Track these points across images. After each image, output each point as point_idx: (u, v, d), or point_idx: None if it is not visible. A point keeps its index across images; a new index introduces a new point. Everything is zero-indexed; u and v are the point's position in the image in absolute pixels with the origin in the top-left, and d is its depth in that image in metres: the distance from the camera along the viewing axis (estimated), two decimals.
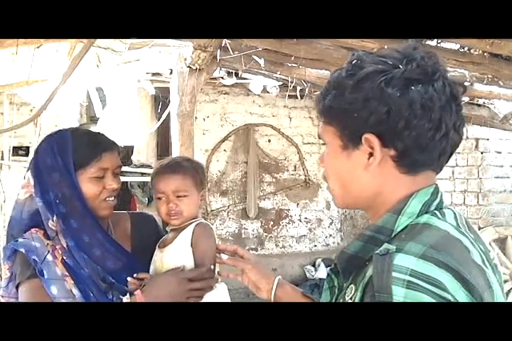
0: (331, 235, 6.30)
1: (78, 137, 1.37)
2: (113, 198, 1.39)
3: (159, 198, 1.45)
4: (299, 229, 6.14)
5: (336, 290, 0.91)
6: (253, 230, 5.96)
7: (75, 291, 1.27)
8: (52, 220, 1.31)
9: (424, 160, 0.83)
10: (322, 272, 5.79)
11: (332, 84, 0.87)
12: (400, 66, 0.81)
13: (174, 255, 1.39)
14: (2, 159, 4.51)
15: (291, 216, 6.12)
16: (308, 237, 6.19)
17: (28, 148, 4.77)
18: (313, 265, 6.01)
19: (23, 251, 1.29)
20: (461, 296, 0.69)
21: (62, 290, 1.27)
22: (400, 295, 0.68)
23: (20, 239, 1.32)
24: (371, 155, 0.83)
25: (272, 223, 6.03)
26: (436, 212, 0.82)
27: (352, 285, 0.83)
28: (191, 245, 1.38)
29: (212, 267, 1.37)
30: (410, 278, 0.69)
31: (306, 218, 6.17)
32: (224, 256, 1.26)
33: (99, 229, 1.37)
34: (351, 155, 0.86)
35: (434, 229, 0.78)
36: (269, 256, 5.95)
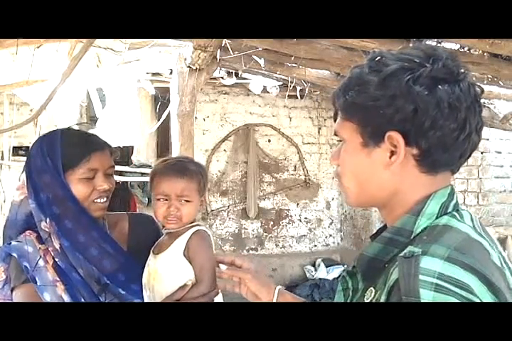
0: (331, 235, 6.30)
1: (68, 138, 1.36)
2: (105, 199, 1.36)
3: (159, 199, 1.39)
4: (299, 229, 6.14)
5: (350, 293, 0.90)
6: (253, 230, 5.96)
7: (65, 297, 1.26)
8: (45, 222, 1.30)
9: (445, 161, 0.83)
10: (322, 272, 5.79)
11: (354, 80, 0.85)
12: (427, 65, 0.80)
13: (167, 263, 1.35)
14: (2, 159, 4.51)
15: (291, 216, 6.12)
16: (308, 237, 6.19)
17: (28, 148, 4.76)
18: (313, 265, 6.01)
19: (16, 256, 1.28)
20: (487, 299, 0.69)
21: (53, 296, 1.26)
22: (428, 298, 0.68)
23: (13, 242, 1.31)
24: (393, 153, 0.82)
25: (272, 223, 6.03)
26: (455, 213, 0.82)
27: (371, 288, 0.82)
28: (184, 254, 1.34)
29: (211, 280, 1.32)
30: (438, 281, 0.68)
31: (306, 218, 6.18)
32: (223, 267, 1.24)
33: (95, 228, 1.35)
34: (371, 153, 0.84)
35: (455, 232, 0.77)
36: (269, 256, 5.95)
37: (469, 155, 0.85)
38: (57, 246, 1.30)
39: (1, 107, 4.63)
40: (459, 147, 0.82)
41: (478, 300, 0.68)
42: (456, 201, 0.84)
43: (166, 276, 1.34)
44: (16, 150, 4.82)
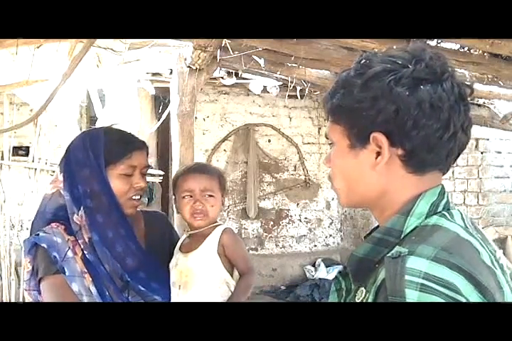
0: (331, 235, 6.30)
1: (110, 135, 1.41)
2: (139, 197, 1.41)
3: (184, 197, 1.47)
4: (299, 229, 6.14)
5: (344, 293, 0.91)
6: (253, 230, 5.96)
7: (93, 289, 1.29)
8: (77, 214, 1.34)
9: (431, 160, 0.83)
10: (322, 272, 5.79)
11: (340, 84, 0.87)
12: (409, 66, 0.81)
13: (200, 261, 1.42)
14: (2, 159, 4.51)
15: (291, 216, 6.12)
16: (308, 237, 6.19)
17: (28, 148, 4.77)
18: (313, 265, 6.01)
19: (45, 247, 1.31)
20: (474, 298, 0.69)
21: (81, 286, 1.29)
22: (413, 298, 0.68)
23: (41, 234, 1.33)
24: (379, 154, 0.83)
25: (272, 223, 6.03)
26: (444, 213, 0.82)
27: (362, 288, 0.83)
28: (218, 252, 1.42)
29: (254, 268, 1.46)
30: (423, 281, 0.68)
31: (306, 218, 6.17)
32: None
33: (123, 225, 1.39)
34: (358, 155, 0.85)
35: (444, 231, 0.78)
36: (269, 256, 5.95)
37: (458, 155, 0.86)
38: (87, 240, 1.33)
39: (1, 107, 4.63)
40: (444, 146, 0.82)
41: (464, 300, 0.68)
42: (447, 200, 0.85)
43: (200, 273, 1.41)
44: (16, 150, 4.81)
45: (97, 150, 1.36)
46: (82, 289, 1.29)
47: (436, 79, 0.80)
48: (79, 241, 1.33)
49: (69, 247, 1.32)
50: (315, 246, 6.21)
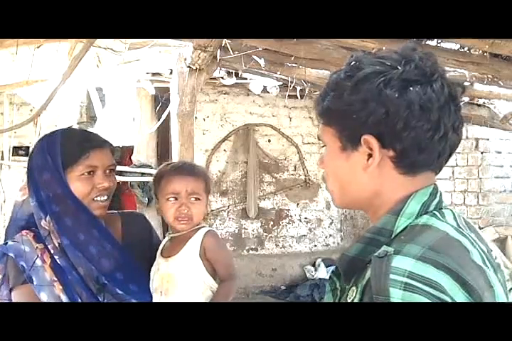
0: (331, 235, 6.30)
1: (67, 136, 1.37)
2: (105, 197, 1.36)
3: (168, 199, 1.41)
4: (299, 229, 6.14)
5: (338, 293, 0.91)
6: (253, 230, 5.96)
7: (63, 297, 1.26)
8: (45, 220, 1.30)
9: (422, 161, 0.83)
10: (322, 272, 5.79)
11: (331, 86, 0.88)
12: (399, 67, 0.81)
13: (182, 266, 1.37)
14: (2, 159, 4.52)
15: (291, 216, 6.11)
16: (308, 237, 6.18)
17: (28, 148, 4.78)
18: (313, 265, 6.01)
19: (13, 256, 1.28)
20: (460, 297, 0.69)
21: (51, 296, 1.25)
22: (397, 297, 0.68)
23: (9, 242, 1.31)
24: (370, 156, 0.83)
25: (271, 223, 6.02)
26: (435, 212, 0.82)
27: (353, 288, 0.83)
28: (200, 256, 1.37)
29: (236, 274, 1.41)
30: (408, 280, 0.69)
31: (306, 218, 6.17)
32: None
33: (95, 226, 1.35)
34: (350, 157, 0.86)
35: (433, 230, 0.78)
36: (269, 256, 5.95)
37: (450, 155, 0.86)
38: (57, 245, 1.30)
39: (1, 107, 4.63)
40: (435, 147, 0.82)
41: (449, 299, 0.68)
42: (439, 200, 0.85)
43: (182, 279, 1.36)
44: (16, 150, 4.82)
45: (54, 152, 1.31)
46: (52, 298, 1.25)
47: (426, 80, 0.81)
48: (49, 247, 1.29)
49: (37, 255, 1.28)
50: (315, 246, 6.21)
